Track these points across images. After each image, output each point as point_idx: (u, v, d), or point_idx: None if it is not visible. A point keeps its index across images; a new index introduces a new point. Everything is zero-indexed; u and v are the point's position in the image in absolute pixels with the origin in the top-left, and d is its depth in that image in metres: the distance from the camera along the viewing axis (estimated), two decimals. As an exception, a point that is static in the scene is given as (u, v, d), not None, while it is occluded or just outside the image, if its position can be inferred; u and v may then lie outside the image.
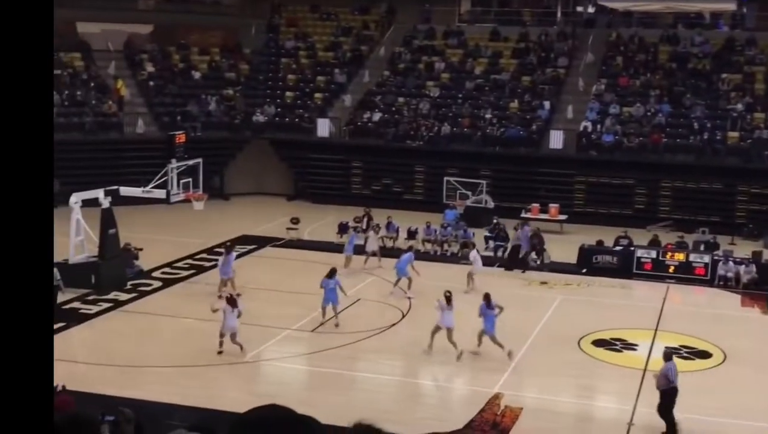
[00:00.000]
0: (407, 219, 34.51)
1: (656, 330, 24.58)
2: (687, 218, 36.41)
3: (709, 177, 37.49)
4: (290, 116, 43.68)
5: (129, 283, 27.45)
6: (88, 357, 21.93)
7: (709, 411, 19.17)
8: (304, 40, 47.79)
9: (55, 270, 24.33)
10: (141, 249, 29.32)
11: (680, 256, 30.52)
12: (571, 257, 31.40)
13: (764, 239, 34.64)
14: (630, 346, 23.19)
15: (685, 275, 30.00)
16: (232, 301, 21.71)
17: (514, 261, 30.88)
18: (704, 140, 38.43)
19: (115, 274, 27.26)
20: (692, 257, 30.52)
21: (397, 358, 22.28)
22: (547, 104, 41.50)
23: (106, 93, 42.10)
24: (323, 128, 42.06)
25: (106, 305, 25.56)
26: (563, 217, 36.47)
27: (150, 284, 27.72)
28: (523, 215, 36.22)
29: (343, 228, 33.45)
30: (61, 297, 24.95)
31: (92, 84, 42.37)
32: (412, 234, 33.21)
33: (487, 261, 30.08)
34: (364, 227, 33.01)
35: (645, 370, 21.24)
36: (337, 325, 23.77)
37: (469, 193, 37.68)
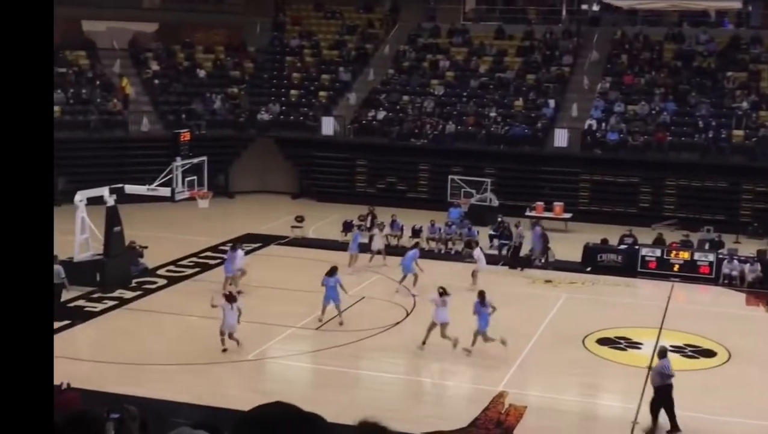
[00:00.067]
0: (412, 217, 34.51)
1: (661, 328, 24.55)
2: (692, 217, 36.37)
3: (714, 175, 37.44)
4: (295, 114, 43.70)
5: (134, 281, 27.50)
6: (92, 355, 21.97)
7: (713, 410, 19.16)
8: (308, 39, 47.80)
9: (60, 268, 24.39)
10: (146, 247, 29.38)
11: (685, 255, 30.49)
12: (576, 256, 31.38)
13: (769, 237, 34.62)
14: (634, 345, 23.18)
15: (690, 273, 29.97)
16: (230, 298, 21.77)
17: (516, 259, 30.86)
18: (709, 139, 38.37)
19: (119, 272, 27.31)
20: (697, 255, 30.49)
21: (401, 356, 22.28)
22: (551, 102, 41.48)
23: (111, 91, 42.15)
24: (328, 126, 42.08)
25: (111, 303, 25.61)
26: (568, 215, 36.46)
27: (155, 282, 27.77)
28: (527, 213, 36.25)
29: (347, 226, 33.45)
30: (65, 295, 25.00)
31: (97, 82, 42.42)
32: (416, 232, 33.23)
33: (492, 259, 30.08)
34: (369, 225, 33.03)
35: (649, 369, 21.20)
36: (341, 323, 23.80)
37: (474, 191, 37.67)
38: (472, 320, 21.87)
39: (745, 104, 39.61)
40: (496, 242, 32.66)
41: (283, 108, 44.06)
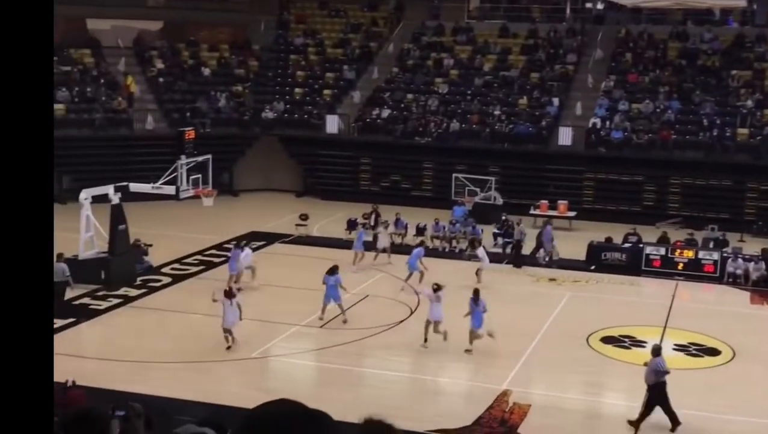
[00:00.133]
0: (416, 216, 34.51)
1: (665, 327, 24.56)
2: (696, 215, 36.34)
3: (718, 174, 37.41)
4: (299, 112, 43.73)
5: (138, 279, 27.55)
6: (97, 353, 22.02)
7: (718, 408, 19.16)
8: (313, 37, 47.83)
9: (65, 266, 24.46)
10: (150, 245, 29.44)
11: (689, 253, 30.47)
12: (580, 254, 31.37)
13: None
14: (639, 343, 23.16)
15: (694, 272, 29.95)
16: (229, 294, 21.82)
17: (518, 257, 30.83)
18: (713, 137, 38.34)
19: (124, 270, 27.35)
20: (701, 254, 30.46)
21: (405, 354, 22.30)
22: (555, 101, 41.46)
23: (116, 89, 42.21)
24: (332, 124, 42.11)
25: (115, 300, 25.66)
26: (572, 214, 36.45)
27: (159, 280, 27.82)
28: (531, 211, 36.29)
29: (351, 225, 33.48)
30: (70, 293, 25.05)
31: (102, 80, 42.49)
32: (420, 231, 33.25)
33: (496, 258, 30.09)
34: (372, 223, 33.06)
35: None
36: (345, 321, 23.83)
37: (478, 189, 37.68)
38: (466, 318, 21.96)
39: (749, 102, 39.57)
40: (500, 240, 32.67)
41: (288, 106, 44.09)
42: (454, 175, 38.49)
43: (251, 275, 27.00)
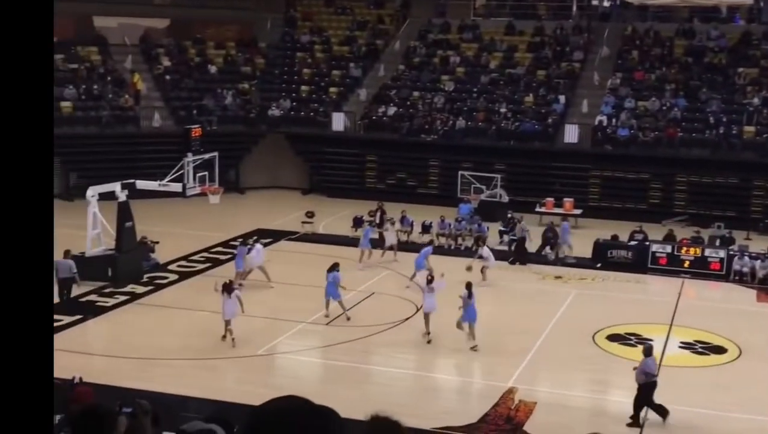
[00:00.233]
0: (421, 213, 34.51)
1: (671, 325, 24.54)
2: (702, 213, 36.27)
3: (724, 172, 37.35)
4: (305, 110, 43.76)
5: (145, 276, 27.61)
6: (104, 350, 22.10)
7: (724, 406, 19.16)
8: (319, 35, 47.86)
9: (72, 262, 24.56)
10: (157, 242, 29.50)
11: (695, 251, 30.43)
12: (586, 252, 31.35)
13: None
14: (644, 341, 23.11)
15: (701, 270, 29.89)
16: (227, 288, 21.89)
17: (520, 254, 30.82)
18: (720, 135, 38.28)
19: (131, 267, 27.41)
20: (707, 252, 30.41)
21: (411, 352, 22.33)
22: (562, 98, 41.43)
23: (123, 87, 42.28)
24: (338, 122, 42.13)
25: (122, 298, 25.72)
26: (578, 211, 36.42)
27: (166, 277, 27.88)
28: (537, 209, 36.29)
29: (357, 222, 33.51)
30: (77, 290, 25.13)
31: (109, 78, 42.56)
32: (426, 228, 33.26)
33: (502, 255, 30.10)
34: (378, 221, 33.09)
35: (660, 365, 21.20)
36: (348, 319, 23.87)
37: (484, 187, 37.67)
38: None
39: (756, 100, 39.49)
40: (506, 238, 32.65)
41: (294, 104, 44.13)
42: (460, 172, 38.48)
43: (265, 277, 26.96)
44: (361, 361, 21.58)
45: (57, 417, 13.30)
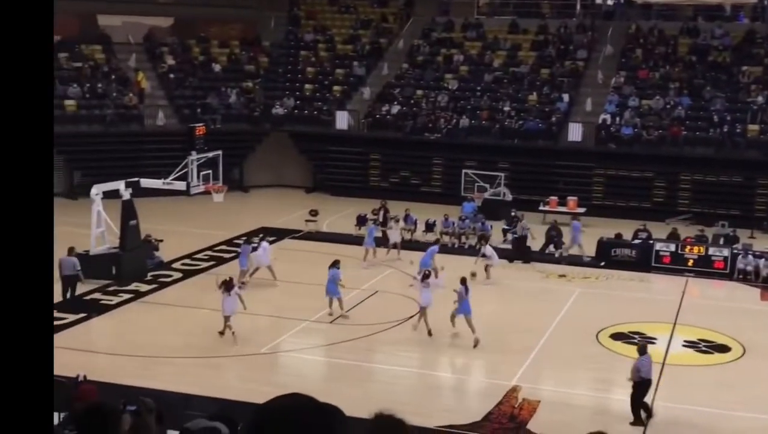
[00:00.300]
0: (425, 212, 34.53)
1: (675, 323, 24.53)
2: (706, 212, 36.23)
3: (728, 170, 37.31)
4: (309, 108, 43.78)
5: (149, 274, 27.66)
6: (108, 348, 22.13)
7: (728, 405, 19.15)
8: (323, 33, 47.87)
9: (76, 259, 24.63)
10: (161, 241, 29.54)
11: (699, 249, 30.41)
12: (590, 250, 31.33)
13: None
14: (648, 340, 23.12)
15: (704, 268, 29.88)
16: (226, 286, 21.95)
17: (521, 251, 30.82)
18: (724, 133, 38.24)
19: (135, 265, 27.46)
20: (711, 250, 30.39)
21: (414, 350, 22.35)
22: (566, 97, 41.40)
23: (127, 85, 42.32)
24: (342, 120, 42.15)
25: (126, 296, 25.77)
26: (582, 210, 36.35)
27: (170, 276, 27.92)
28: (541, 207, 36.29)
29: (361, 220, 33.54)
30: (81, 288, 25.18)
31: (113, 77, 42.60)
32: (430, 227, 33.27)
33: (505, 254, 30.09)
34: (381, 220, 33.10)
35: (663, 364, 21.24)
36: (346, 316, 23.89)
37: (488, 185, 37.65)
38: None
39: (760, 99, 39.44)
40: (509, 236, 32.64)
41: (298, 102, 44.15)
42: (463, 171, 38.48)
43: (271, 276, 26.99)
44: (364, 359, 21.60)
45: (61, 415, 13.34)
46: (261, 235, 29.57)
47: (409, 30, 47.61)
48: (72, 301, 24.44)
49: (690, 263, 30.11)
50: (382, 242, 30.60)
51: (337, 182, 41.99)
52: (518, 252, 30.80)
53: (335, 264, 24.42)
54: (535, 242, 31.53)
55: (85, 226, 27.56)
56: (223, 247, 31.31)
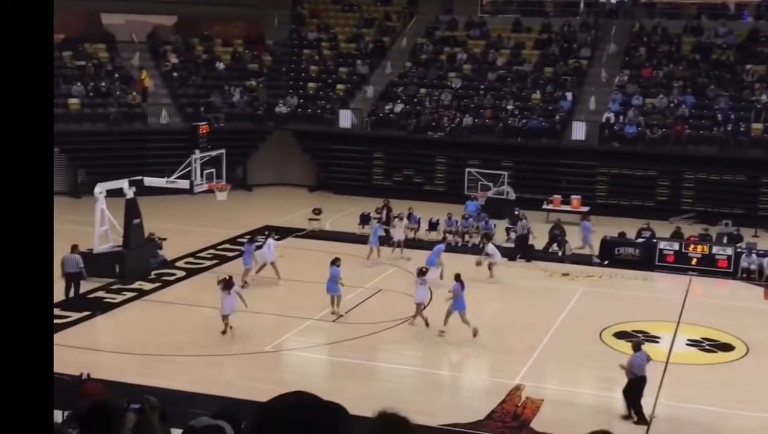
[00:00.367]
0: (428, 210, 34.53)
1: (678, 322, 24.51)
2: (710, 210, 36.22)
3: (732, 169, 37.27)
4: (312, 107, 43.78)
5: (153, 273, 27.69)
6: (112, 346, 22.18)
7: (731, 404, 19.15)
8: (326, 32, 47.87)
9: (79, 257, 24.68)
10: (165, 239, 29.56)
11: (703, 248, 30.37)
12: (593, 249, 31.31)
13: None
14: (652, 338, 23.12)
15: (708, 267, 29.85)
16: (226, 284, 21.99)
17: (524, 250, 30.80)
18: (728, 132, 38.19)
19: (139, 264, 27.49)
20: (715, 249, 30.35)
21: (418, 348, 22.37)
22: (569, 95, 41.38)
23: (131, 84, 42.35)
24: (345, 119, 42.16)
25: (130, 294, 25.80)
26: (585, 209, 36.32)
27: (173, 274, 27.95)
28: (544, 206, 36.28)
29: (364, 219, 33.55)
30: (85, 286, 25.22)
31: (116, 75, 42.64)
32: (433, 225, 33.28)
33: (509, 253, 30.07)
34: (384, 218, 33.11)
35: (667, 363, 21.23)
36: (341, 315, 23.90)
37: (491, 184, 37.64)
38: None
39: (764, 97, 39.38)
40: (512, 235, 32.62)
41: (301, 101, 44.16)
42: (467, 170, 38.46)
43: (275, 274, 27.01)
44: (368, 358, 21.62)
45: (65, 413, 13.36)
46: (267, 232, 29.57)
47: (412, 28, 47.60)
48: (75, 299, 24.47)
49: (694, 262, 30.08)
50: (386, 240, 30.60)
51: (341, 181, 42.00)
52: (519, 250, 30.78)
53: (335, 262, 24.45)
54: (536, 241, 31.48)
55: (89, 224, 27.60)
56: (227, 246, 31.33)
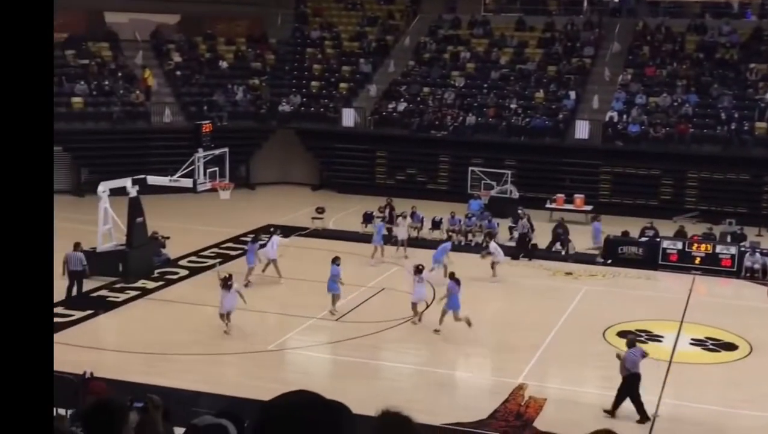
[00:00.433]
0: (431, 209, 34.52)
1: (682, 321, 24.48)
2: (714, 209, 36.18)
3: (736, 168, 37.22)
4: (315, 105, 43.78)
5: (156, 271, 27.70)
6: (115, 345, 22.19)
7: (735, 403, 19.13)
8: (329, 30, 47.86)
9: (82, 255, 24.71)
10: (168, 238, 29.59)
11: (706, 247, 30.33)
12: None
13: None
14: (655, 338, 23.11)
15: (711, 266, 29.82)
16: (225, 282, 22.03)
17: (525, 249, 30.78)
18: (731, 131, 38.14)
19: (142, 262, 27.50)
20: (718, 248, 30.32)
21: (421, 347, 22.36)
22: (572, 94, 41.34)
23: (134, 83, 42.38)
24: (348, 117, 42.15)
25: (133, 293, 25.82)
26: (588, 207, 36.33)
27: (176, 273, 27.97)
28: (547, 205, 36.27)
29: (367, 218, 33.55)
30: (88, 285, 25.24)
31: (120, 74, 42.67)
32: (436, 224, 33.27)
33: (510, 252, 30.04)
34: (387, 217, 33.10)
35: (670, 362, 21.21)
36: (333, 313, 23.90)
37: (494, 183, 37.62)
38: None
39: (767, 96, 39.34)
40: (515, 234, 32.61)
41: (304, 99, 44.15)
42: (470, 168, 38.44)
43: (276, 273, 27.02)
44: (371, 357, 21.61)
45: (69, 412, 13.36)
46: (272, 229, 29.59)
47: (415, 27, 47.58)
48: (79, 298, 24.50)
49: (697, 261, 30.04)
50: (389, 239, 30.60)
51: (344, 180, 41.99)
52: (520, 249, 30.77)
53: (335, 261, 24.45)
54: (537, 240, 31.43)
55: (92, 223, 27.61)
56: (230, 244, 31.33)
